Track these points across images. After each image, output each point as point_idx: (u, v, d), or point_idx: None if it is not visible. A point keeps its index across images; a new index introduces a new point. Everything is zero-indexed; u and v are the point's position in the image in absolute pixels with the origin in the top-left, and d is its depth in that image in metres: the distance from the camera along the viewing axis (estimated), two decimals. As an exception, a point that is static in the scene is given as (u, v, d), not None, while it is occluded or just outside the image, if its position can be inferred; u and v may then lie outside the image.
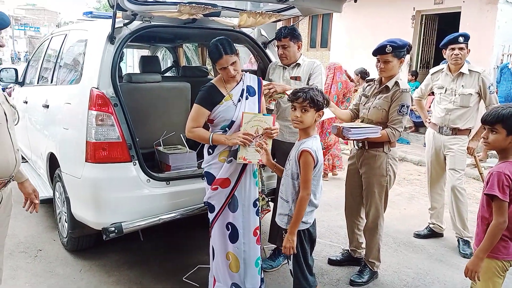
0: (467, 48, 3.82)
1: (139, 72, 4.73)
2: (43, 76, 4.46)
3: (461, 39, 3.80)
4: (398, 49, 3.01)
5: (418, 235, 4.24)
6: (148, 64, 4.58)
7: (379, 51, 3.05)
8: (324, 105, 2.40)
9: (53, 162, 3.64)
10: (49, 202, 3.97)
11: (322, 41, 12.48)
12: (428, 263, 3.68)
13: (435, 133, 4.04)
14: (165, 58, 9.88)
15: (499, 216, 2.07)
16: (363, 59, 9.02)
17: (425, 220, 4.34)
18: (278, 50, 3.38)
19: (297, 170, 2.39)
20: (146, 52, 6.61)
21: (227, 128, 2.72)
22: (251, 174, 2.81)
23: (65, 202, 3.43)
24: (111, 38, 3.07)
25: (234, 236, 2.80)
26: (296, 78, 3.35)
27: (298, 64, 3.38)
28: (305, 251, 2.48)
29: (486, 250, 2.11)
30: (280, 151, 3.20)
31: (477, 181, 6.25)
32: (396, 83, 3.04)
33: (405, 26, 9.31)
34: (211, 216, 2.83)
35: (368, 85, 3.29)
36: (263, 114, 2.76)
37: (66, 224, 3.51)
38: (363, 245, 3.48)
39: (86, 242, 3.56)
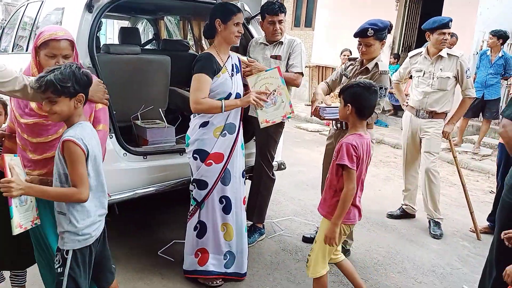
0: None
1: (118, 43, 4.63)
2: (18, 44, 4.31)
3: (450, 24, 3.82)
4: (380, 31, 3.01)
5: (391, 216, 4.33)
6: (128, 35, 4.49)
7: (361, 34, 3.04)
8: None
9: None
10: None
11: (306, 20, 12.38)
12: (399, 243, 3.78)
13: (412, 116, 4.09)
14: (146, 31, 9.66)
15: (349, 183, 2.32)
16: (347, 39, 9.02)
17: (399, 201, 4.44)
18: (269, 25, 3.30)
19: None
20: (126, 24, 6.45)
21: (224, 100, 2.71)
22: (240, 146, 2.86)
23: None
24: (89, 6, 2.95)
25: (227, 207, 2.86)
26: (276, 57, 3.33)
27: (281, 42, 3.35)
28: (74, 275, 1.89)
29: (341, 216, 2.35)
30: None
31: (451, 165, 6.40)
32: (376, 65, 3.04)
33: (390, 8, 9.29)
34: (201, 192, 2.81)
35: (350, 65, 3.28)
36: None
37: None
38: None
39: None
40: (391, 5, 9.36)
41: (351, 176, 2.33)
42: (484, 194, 5.36)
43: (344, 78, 3.27)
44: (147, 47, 5.95)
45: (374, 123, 3.16)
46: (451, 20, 3.82)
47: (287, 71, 3.30)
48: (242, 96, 2.83)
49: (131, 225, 3.70)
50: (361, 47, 3.08)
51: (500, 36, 6.47)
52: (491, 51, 6.67)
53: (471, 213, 4.03)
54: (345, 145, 2.34)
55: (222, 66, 2.73)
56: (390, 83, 3.19)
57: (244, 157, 2.96)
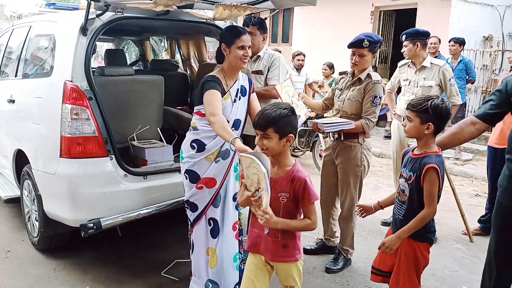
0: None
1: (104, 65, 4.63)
2: (3, 71, 4.26)
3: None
4: (374, 44, 3.12)
5: (385, 223, 4.41)
6: (114, 57, 4.48)
7: (356, 45, 3.13)
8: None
9: (20, 159, 3.51)
10: (14, 202, 3.82)
11: (283, 36, 12.61)
12: (397, 249, 3.85)
13: (400, 124, 4.22)
14: (129, 52, 9.65)
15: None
16: (324, 53, 9.24)
17: (390, 208, 4.52)
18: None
19: None
20: (109, 46, 6.44)
21: None
22: (233, 169, 2.78)
23: (35, 200, 3.31)
24: (83, 30, 2.98)
25: (215, 230, 2.77)
26: (257, 72, 3.39)
27: (259, 56, 3.43)
28: None
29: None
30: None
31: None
32: (369, 75, 3.14)
33: (365, 21, 9.58)
34: (192, 215, 2.76)
35: (341, 78, 3.38)
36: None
37: (36, 223, 3.40)
38: (337, 234, 3.60)
39: (58, 241, 3.45)
40: (366, 18, 9.66)
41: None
42: (470, 197, 5.52)
43: (337, 91, 3.36)
44: (134, 68, 5.95)
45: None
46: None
47: (266, 84, 3.37)
48: (241, 122, 2.77)
49: (131, 246, 3.66)
50: (354, 57, 3.17)
51: (461, 42, 6.78)
52: (452, 58, 6.95)
53: (463, 216, 4.14)
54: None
55: (226, 91, 2.68)
56: (383, 92, 3.30)
57: (237, 180, 2.82)
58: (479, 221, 4.25)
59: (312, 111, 3.24)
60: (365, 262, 3.57)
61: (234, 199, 2.81)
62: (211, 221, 2.76)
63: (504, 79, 2.48)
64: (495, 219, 2.56)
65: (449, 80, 3.96)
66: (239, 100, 2.74)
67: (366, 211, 2.54)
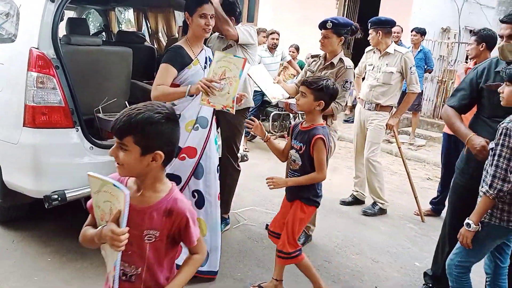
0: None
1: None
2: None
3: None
4: (339, 26, 3.20)
5: (343, 202, 4.60)
6: (76, 26, 4.32)
7: (321, 25, 3.23)
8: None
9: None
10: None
11: (248, 16, 12.50)
12: (354, 227, 4.04)
13: (361, 108, 4.38)
14: (91, 21, 9.28)
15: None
16: (290, 34, 9.28)
17: (348, 189, 4.73)
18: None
19: None
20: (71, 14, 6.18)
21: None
22: (213, 140, 2.85)
23: (-6, 170, 3.20)
24: (51, -4, 2.87)
25: (200, 202, 2.84)
26: (227, 47, 3.37)
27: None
28: None
29: None
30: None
31: (390, 155, 6.87)
32: (341, 60, 3.23)
33: (330, 7, 9.69)
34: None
35: (313, 61, 3.45)
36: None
37: (-6, 194, 3.28)
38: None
39: (18, 212, 3.36)
40: (331, 3, 9.76)
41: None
42: (422, 181, 5.83)
43: (308, 73, 3.43)
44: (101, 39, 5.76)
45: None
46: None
47: None
48: None
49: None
50: (320, 38, 3.26)
51: (422, 33, 7.03)
52: (412, 47, 7.20)
53: (416, 198, 4.39)
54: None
55: (194, 58, 2.74)
56: (354, 77, 3.40)
57: (218, 152, 2.95)
58: (431, 203, 4.52)
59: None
60: (324, 238, 3.73)
61: (217, 170, 2.93)
62: (195, 193, 2.83)
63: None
64: (451, 198, 2.76)
65: (410, 68, 4.13)
66: (209, 67, 2.76)
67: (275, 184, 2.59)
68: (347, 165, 6.02)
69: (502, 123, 2.14)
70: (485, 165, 2.27)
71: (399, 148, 4.60)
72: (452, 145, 4.07)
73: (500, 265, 2.47)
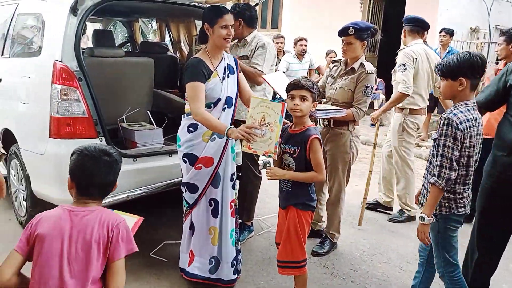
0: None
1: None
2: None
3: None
4: (361, 31, 3.14)
5: (371, 206, 4.52)
6: (102, 38, 4.43)
7: (343, 32, 3.17)
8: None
9: (6, 139, 3.47)
10: None
11: (272, 22, 12.54)
12: (381, 234, 3.94)
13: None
14: (116, 33, 9.52)
15: None
16: (314, 40, 9.23)
17: (375, 195, 4.63)
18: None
19: None
20: (96, 26, 6.35)
21: (212, 105, 2.69)
22: (230, 149, 2.84)
23: (23, 180, 3.30)
24: (73, 10, 2.95)
25: (216, 210, 2.83)
26: (242, 58, 3.37)
27: (246, 41, 3.41)
28: None
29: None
30: None
31: (419, 159, 6.69)
32: (362, 65, 3.18)
33: (354, 10, 9.58)
34: (192, 196, 2.80)
35: (334, 66, 3.41)
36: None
37: (24, 203, 3.38)
38: (324, 219, 3.66)
39: (46, 221, 3.44)
40: (355, 6, 9.65)
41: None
42: (453, 185, 5.63)
43: (329, 78, 3.39)
44: (124, 49, 5.89)
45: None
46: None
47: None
48: (233, 100, 2.79)
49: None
50: (342, 45, 3.20)
51: (451, 33, 6.86)
52: (440, 48, 7.00)
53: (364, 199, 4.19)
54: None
55: (213, 70, 2.69)
56: (376, 81, 3.33)
57: (234, 160, 2.92)
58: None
59: None
60: (350, 246, 3.66)
61: (232, 179, 2.90)
62: (212, 202, 2.83)
63: (506, 66, 2.58)
64: (478, 202, 2.67)
65: (399, 66, 3.94)
66: (228, 78, 2.76)
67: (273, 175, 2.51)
68: (375, 170, 5.89)
69: (443, 114, 2.25)
70: (428, 156, 2.38)
71: (374, 144, 4.39)
72: (483, 149, 3.91)
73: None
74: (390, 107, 4.06)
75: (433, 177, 2.23)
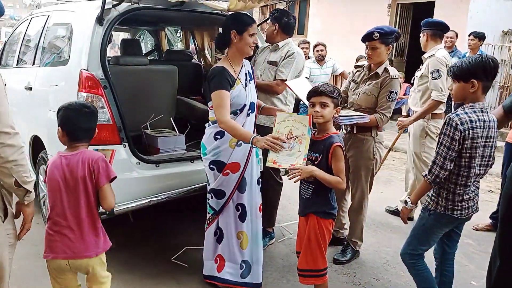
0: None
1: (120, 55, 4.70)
2: (22, 59, 4.36)
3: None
4: (385, 36, 3.11)
5: (388, 211, 4.54)
6: (130, 47, 4.54)
7: (367, 38, 3.14)
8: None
9: (36, 145, 3.60)
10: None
11: (299, 28, 12.53)
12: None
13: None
14: (144, 41, 9.74)
15: None
16: (341, 46, 9.18)
17: (396, 197, 4.59)
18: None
19: None
20: (125, 35, 6.52)
21: (238, 111, 2.72)
22: (254, 154, 2.88)
23: (51, 185, 3.40)
24: (99, 20, 3.04)
25: (243, 215, 2.87)
26: (272, 63, 3.40)
27: (277, 46, 3.43)
28: None
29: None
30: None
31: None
32: (386, 70, 3.14)
33: (382, 14, 9.48)
34: (219, 202, 2.84)
35: (357, 71, 3.38)
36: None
37: (51, 207, 3.48)
38: (346, 226, 3.62)
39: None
40: (383, 11, 9.55)
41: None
42: (484, 193, 5.46)
43: (352, 84, 3.36)
44: (149, 57, 6.03)
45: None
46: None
47: (274, 78, 3.37)
48: (255, 104, 2.85)
49: (143, 232, 3.75)
50: (367, 50, 3.17)
51: (480, 37, 6.67)
52: (470, 52, 6.82)
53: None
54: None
55: (235, 78, 2.72)
56: (400, 87, 3.28)
57: (259, 164, 2.96)
58: (491, 217, 4.22)
59: None
60: (373, 254, 3.60)
61: (258, 182, 2.94)
62: (239, 207, 2.86)
63: None
64: (501, 210, 2.58)
65: (432, 72, 3.84)
66: (250, 84, 2.83)
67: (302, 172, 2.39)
68: (401, 177, 5.79)
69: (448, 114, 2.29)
70: None
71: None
72: (506, 154, 3.81)
73: (447, 251, 2.64)
74: (424, 115, 3.94)
75: (426, 170, 2.36)
